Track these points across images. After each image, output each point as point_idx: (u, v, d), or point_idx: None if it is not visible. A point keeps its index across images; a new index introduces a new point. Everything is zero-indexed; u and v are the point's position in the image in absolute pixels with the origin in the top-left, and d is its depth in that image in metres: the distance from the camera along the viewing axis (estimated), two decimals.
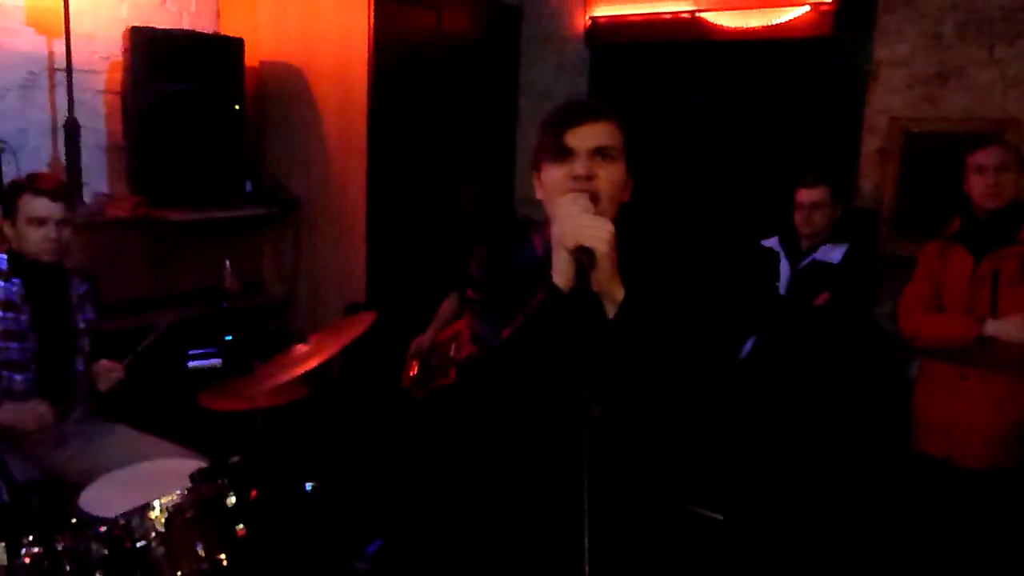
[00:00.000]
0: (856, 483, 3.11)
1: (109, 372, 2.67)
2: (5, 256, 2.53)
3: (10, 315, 2.47)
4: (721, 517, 3.24)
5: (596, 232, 1.34)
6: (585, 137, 1.46)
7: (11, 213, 2.53)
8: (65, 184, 2.74)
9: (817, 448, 3.10)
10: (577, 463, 1.48)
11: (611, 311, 1.39)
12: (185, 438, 2.78)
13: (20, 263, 2.53)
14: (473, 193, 3.56)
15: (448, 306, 3.55)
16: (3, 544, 1.76)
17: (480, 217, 3.50)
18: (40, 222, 2.51)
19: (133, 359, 2.72)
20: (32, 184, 2.55)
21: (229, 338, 3.57)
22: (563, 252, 1.38)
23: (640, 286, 1.41)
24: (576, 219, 1.36)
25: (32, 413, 2.46)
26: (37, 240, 2.52)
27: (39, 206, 2.51)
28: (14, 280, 2.50)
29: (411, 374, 3.48)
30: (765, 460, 3.18)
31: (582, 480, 1.19)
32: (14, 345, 2.47)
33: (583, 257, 1.34)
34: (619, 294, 1.38)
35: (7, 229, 2.54)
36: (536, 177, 1.57)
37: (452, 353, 3.36)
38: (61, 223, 2.54)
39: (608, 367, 1.35)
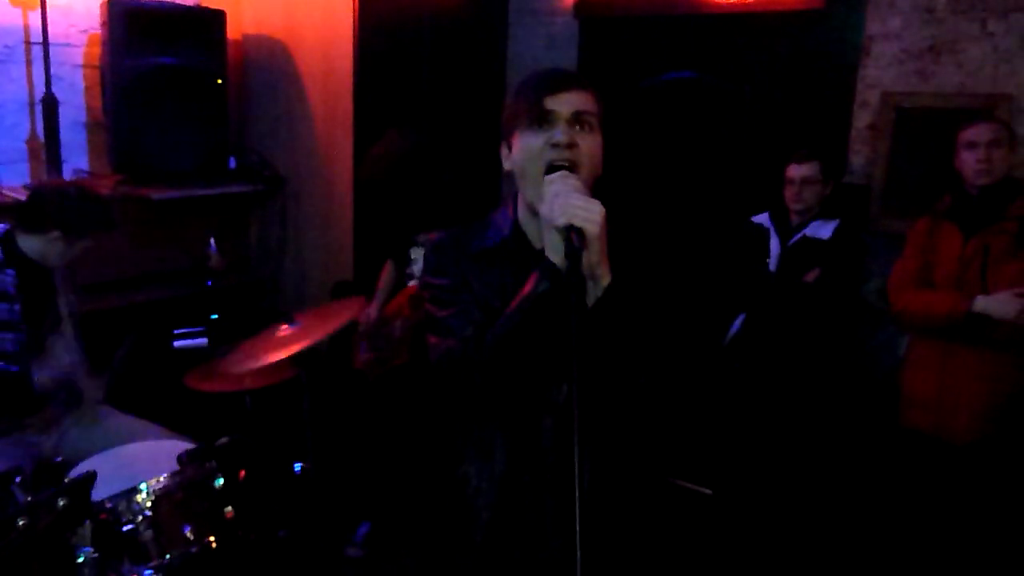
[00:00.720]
0: (845, 457, 3.15)
1: (90, 395, 2.70)
2: None
3: (4, 306, 2.44)
4: (710, 492, 3.28)
5: (587, 213, 1.32)
6: (567, 102, 1.43)
7: (73, 238, 2.52)
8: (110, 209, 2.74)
9: (806, 424, 3.13)
10: (545, 443, 1.51)
11: (593, 295, 1.38)
12: (172, 420, 2.79)
13: (14, 254, 2.49)
14: (392, 141, 3.23)
15: (387, 276, 3.37)
16: None
17: (401, 175, 3.18)
18: (93, 249, 2.59)
19: (112, 378, 2.74)
20: (110, 220, 2.60)
21: (215, 317, 3.55)
22: (554, 232, 1.35)
23: (625, 271, 1.40)
24: (566, 198, 1.33)
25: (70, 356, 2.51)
26: (72, 259, 2.58)
27: (102, 239, 2.59)
28: (8, 271, 2.46)
29: (362, 355, 3.35)
30: (754, 436, 3.22)
31: (573, 459, 1.19)
32: (8, 336, 2.45)
33: (574, 237, 1.31)
34: (606, 278, 1.37)
35: (50, 243, 2.50)
36: (504, 146, 1.52)
37: (398, 333, 3.26)
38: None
39: (580, 352, 1.29)
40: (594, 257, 1.34)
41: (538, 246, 1.47)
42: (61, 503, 1.85)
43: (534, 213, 1.46)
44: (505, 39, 4.42)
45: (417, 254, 3.22)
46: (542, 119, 1.43)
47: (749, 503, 3.19)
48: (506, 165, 1.53)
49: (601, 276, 1.36)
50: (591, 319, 1.37)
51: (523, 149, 1.46)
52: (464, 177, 3.36)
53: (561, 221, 1.32)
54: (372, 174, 3.30)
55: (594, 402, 1.43)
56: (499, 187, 4.23)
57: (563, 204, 1.32)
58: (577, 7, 4.14)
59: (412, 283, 3.25)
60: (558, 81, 1.45)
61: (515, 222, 1.55)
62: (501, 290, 1.49)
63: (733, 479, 3.25)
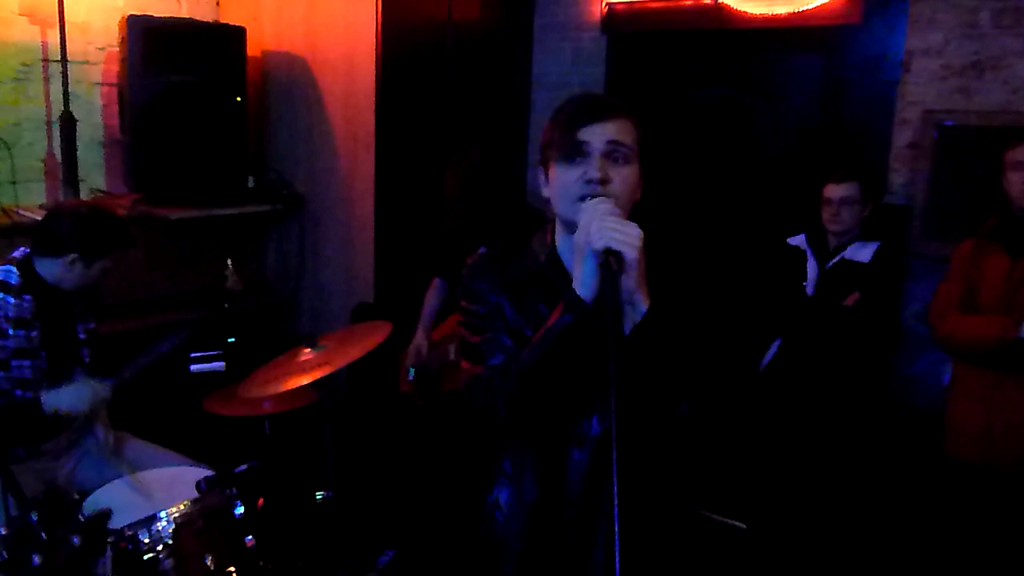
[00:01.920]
0: (886, 490, 3.13)
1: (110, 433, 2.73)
2: (15, 270, 2.50)
3: (21, 332, 2.47)
4: (743, 526, 3.26)
5: (625, 236, 1.34)
6: (601, 134, 1.45)
7: (92, 259, 2.54)
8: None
9: (845, 454, 3.11)
10: (573, 476, 1.54)
11: (631, 323, 1.40)
12: (189, 445, 2.82)
13: (35, 280, 2.52)
14: (471, 161, 3.20)
15: (434, 296, 3.39)
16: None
17: (481, 192, 3.15)
18: (113, 270, 2.61)
19: (149, 359, 2.71)
20: (128, 240, 2.63)
21: (232, 340, 3.60)
22: (588, 260, 1.38)
23: (664, 296, 1.42)
24: (602, 221, 1.36)
25: (90, 392, 2.50)
26: (92, 282, 2.61)
27: (121, 259, 2.61)
28: (25, 297, 2.48)
29: (410, 379, 3.39)
30: (790, 466, 3.20)
31: (600, 492, 1.21)
32: (26, 363, 2.48)
33: (612, 261, 1.34)
34: (644, 304, 1.39)
35: (68, 266, 2.52)
36: (544, 174, 1.56)
37: (452, 356, 3.28)
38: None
39: (617, 382, 1.32)
40: (632, 282, 1.36)
41: (570, 267, 1.51)
42: (77, 541, 1.90)
43: (570, 234, 1.49)
44: (530, 55, 4.47)
45: None
46: (576, 152, 1.46)
47: (785, 538, 3.16)
48: (544, 192, 1.56)
49: (639, 301, 1.38)
50: (630, 345, 1.39)
51: (558, 182, 1.49)
52: (492, 175, 3.27)
53: (599, 245, 1.35)
54: (455, 189, 3.25)
55: (631, 432, 1.43)
56: (524, 201, 4.27)
57: (599, 227, 1.35)
58: (605, 22, 4.18)
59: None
60: (592, 111, 1.47)
61: (552, 249, 1.58)
62: (536, 318, 1.51)
63: (768, 512, 3.23)
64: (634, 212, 1.49)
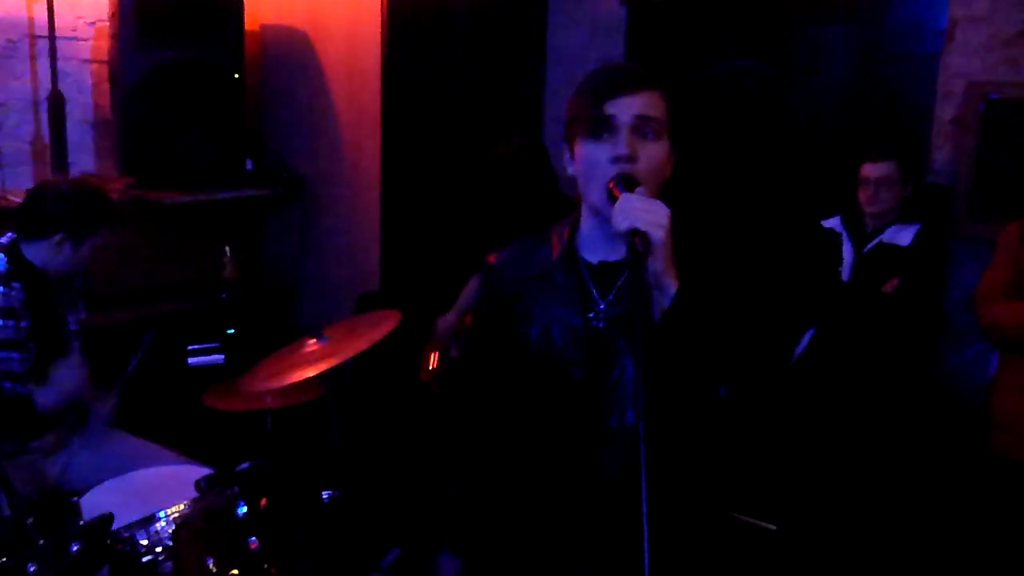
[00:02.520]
0: (927, 488, 3.09)
1: (99, 410, 2.72)
2: (2, 256, 2.47)
3: (10, 323, 2.43)
4: (774, 527, 3.23)
5: (652, 215, 1.33)
6: (628, 107, 1.43)
7: (80, 238, 2.51)
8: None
9: (883, 452, 3.07)
10: (605, 474, 1.53)
11: (661, 306, 1.38)
12: (188, 442, 2.80)
13: (23, 266, 2.49)
14: (513, 148, 3.19)
15: (473, 287, 3.44)
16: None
17: (521, 181, 3.15)
18: (100, 251, 2.57)
19: (124, 382, 2.74)
20: (115, 216, 2.59)
21: (231, 332, 3.58)
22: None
23: (692, 278, 1.40)
24: (628, 200, 1.35)
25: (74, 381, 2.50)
26: (83, 264, 2.58)
27: (109, 238, 2.57)
28: (14, 284, 2.45)
29: (431, 367, 3.43)
30: (824, 465, 3.17)
31: (635, 490, 1.18)
32: (15, 355, 2.44)
33: (638, 242, 1.32)
34: (673, 286, 1.37)
35: (56, 247, 2.49)
36: (568, 150, 1.54)
37: None
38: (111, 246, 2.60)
39: (649, 369, 1.32)
40: (660, 264, 1.35)
41: (592, 259, 1.54)
42: (75, 548, 1.87)
43: (598, 217, 1.50)
44: (544, 28, 4.43)
45: None
46: (602, 127, 1.44)
47: (818, 541, 3.13)
48: (569, 170, 1.55)
49: (668, 284, 1.37)
50: (661, 331, 1.37)
51: (583, 159, 1.48)
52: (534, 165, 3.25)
53: (624, 225, 1.33)
54: (493, 176, 3.23)
55: (667, 421, 1.43)
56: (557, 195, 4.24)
57: (623, 207, 1.35)
58: None
59: None
60: (619, 82, 1.46)
61: (569, 242, 1.58)
62: (558, 319, 1.54)
63: (800, 513, 3.20)
64: (664, 192, 1.48)
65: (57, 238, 2.48)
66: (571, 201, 3.45)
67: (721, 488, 1.62)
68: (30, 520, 1.84)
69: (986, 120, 3.32)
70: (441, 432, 3.35)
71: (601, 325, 1.51)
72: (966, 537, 2.91)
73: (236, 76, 3.86)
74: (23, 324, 2.46)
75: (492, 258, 1.66)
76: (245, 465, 2.33)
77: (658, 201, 1.36)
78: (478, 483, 1.75)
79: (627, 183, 1.39)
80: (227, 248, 3.69)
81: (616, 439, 1.51)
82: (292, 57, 4.15)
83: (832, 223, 3.31)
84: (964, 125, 3.37)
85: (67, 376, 2.53)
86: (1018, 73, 3.26)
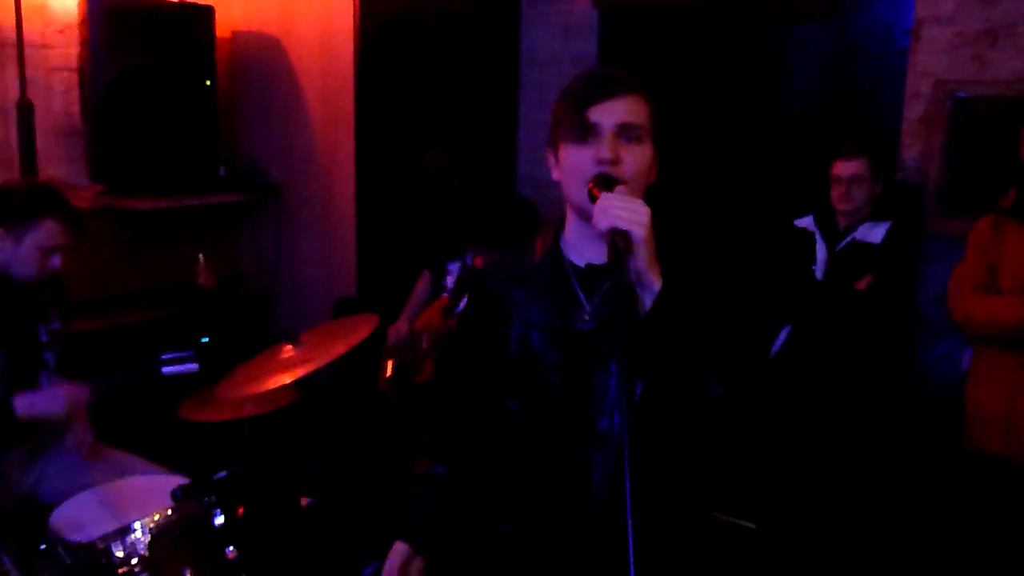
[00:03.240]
0: (902, 483, 3.13)
1: (74, 398, 2.62)
2: None
3: None
4: (753, 525, 3.26)
5: (632, 214, 1.34)
6: (612, 113, 1.46)
7: (20, 232, 2.44)
8: (75, 208, 2.62)
9: (858, 448, 3.11)
10: (595, 477, 1.53)
11: (646, 304, 1.39)
12: (161, 453, 2.79)
13: None
14: (443, 154, 3.29)
15: (422, 288, 3.50)
16: None
17: (458, 185, 3.24)
18: (52, 250, 2.48)
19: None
20: (59, 208, 2.49)
21: (206, 340, 3.56)
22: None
23: (675, 276, 1.41)
24: (608, 200, 1.37)
25: (65, 395, 2.45)
26: (40, 267, 2.49)
27: (58, 234, 2.47)
28: None
29: (387, 375, 3.45)
30: (801, 462, 3.20)
31: (623, 486, 1.19)
32: None
33: (618, 241, 1.34)
34: (656, 284, 1.38)
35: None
36: (551, 154, 1.57)
37: (425, 345, 3.35)
38: (67, 249, 2.52)
39: (640, 367, 1.36)
40: (641, 262, 1.36)
41: (579, 261, 1.56)
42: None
43: (583, 220, 1.51)
44: (517, 30, 4.43)
45: (453, 267, 3.27)
46: (586, 132, 1.47)
47: (797, 537, 3.16)
48: (554, 174, 1.58)
49: (651, 282, 1.38)
50: (647, 328, 1.38)
51: (568, 163, 1.51)
52: (467, 168, 3.33)
53: (604, 224, 1.35)
54: (438, 169, 3.30)
55: (657, 421, 1.45)
56: (515, 192, 4.25)
57: (605, 206, 1.36)
58: None
59: (445, 295, 3.32)
60: (602, 88, 1.48)
61: (553, 245, 1.60)
62: (538, 322, 1.56)
63: (778, 510, 3.22)
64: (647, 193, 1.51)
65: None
66: (527, 204, 3.52)
67: (704, 488, 1.63)
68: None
69: (954, 118, 3.35)
70: (403, 438, 3.36)
71: (588, 327, 1.53)
72: (943, 532, 2.94)
73: (208, 82, 3.87)
74: None
75: (479, 261, 1.70)
76: (222, 473, 2.34)
77: (638, 200, 1.38)
78: (463, 487, 1.75)
79: (607, 183, 1.41)
80: (201, 255, 3.68)
81: (606, 442, 1.52)
82: (264, 62, 4.16)
83: (805, 222, 3.31)
84: (932, 123, 3.41)
85: (44, 383, 2.52)
86: (984, 71, 3.30)
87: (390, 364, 3.46)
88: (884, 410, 3.15)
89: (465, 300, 3.15)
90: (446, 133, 4.09)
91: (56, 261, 2.52)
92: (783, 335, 3.30)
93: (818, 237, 3.26)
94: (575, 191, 1.49)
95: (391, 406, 3.42)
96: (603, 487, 1.53)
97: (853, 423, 3.11)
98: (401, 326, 3.44)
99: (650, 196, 1.50)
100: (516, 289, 1.60)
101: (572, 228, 1.58)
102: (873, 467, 3.11)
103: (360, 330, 2.49)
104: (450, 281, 3.31)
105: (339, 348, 2.41)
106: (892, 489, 3.11)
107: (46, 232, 2.47)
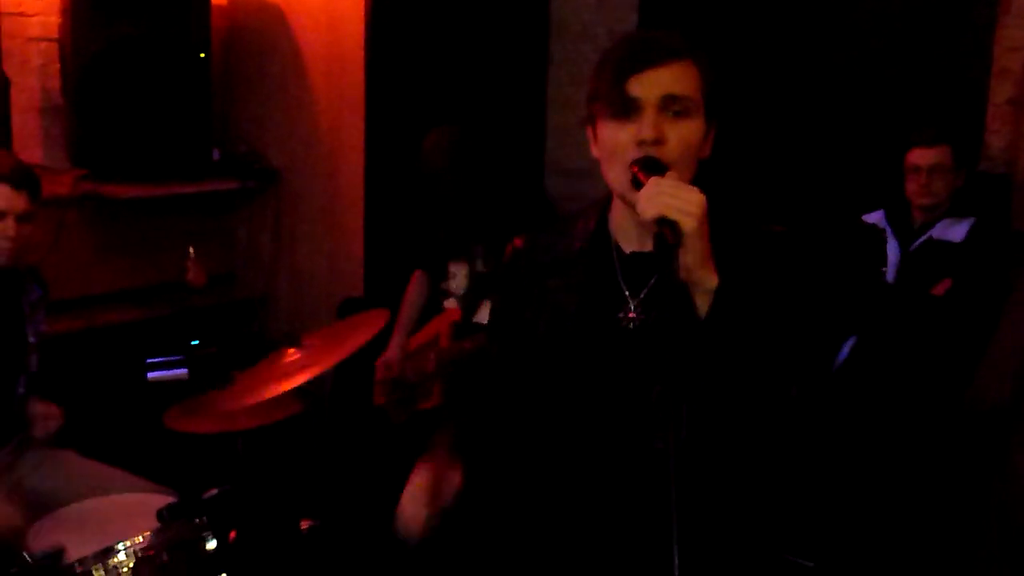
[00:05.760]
0: (975, 522, 3.09)
1: (46, 419, 2.70)
2: None
3: None
4: (811, 564, 3.23)
5: (682, 202, 1.32)
6: (654, 84, 1.44)
7: None
8: (27, 167, 2.66)
9: (929, 479, 3.07)
10: (644, 501, 1.51)
11: (703, 304, 1.37)
12: (149, 466, 2.81)
13: None
14: (442, 141, 3.20)
15: (416, 293, 3.46)
16: None
17: (444, 172, 3.17)
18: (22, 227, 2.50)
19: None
20: (20, 176, 2.51)
21: (196, 343, 3.59)
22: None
23: (734, 271, 1.39)
24: (655, 186, 1.35)
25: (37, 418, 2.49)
26: None
27: (3, 196, 2.48)
28: None
29: (382, 400, 3.45)
30: (867, 492, 3.17)
31: (666, 522, 1.20)
32: None
33: (666, 232, 1.31)
34: (712, 281, 1.36)
35: None
36: (590, 130, 1.56)
37: (431, 367, 3.31)
38: (23, 217, 2.52)
39: (697, 377, 1.34)
40: (694, 256, 1.34)
41: (627, 248, 1.55)
42: None
43: (623, 202, 1.51)
44: None
45: (457, 268, 3.24)
46: (626, 107, 1.45)
47: None
48: (593, 152, 1.57)
49: (706, 279, 1.36)
50: (706, 333, 1.36)
51: (607, 143, 1.49)
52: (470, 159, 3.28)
53: (650, 213, 1.33)
54: (434, 165, 3.25)
55: (724, 433, 1.45)
56: (542, 182, 4.25)
57: (651, 192, 1.35)
58: None
59: (449, 303, 3.28)
60: (644, 56, 1.46)
61: (597, 228, 1.60)
62: (569, 309, 1.56)
63: (841, 548, 3.20)
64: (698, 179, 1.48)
65: None
66: (541, 198, 3.48)
67: (772, 520, 1.61)
68: None
69: None
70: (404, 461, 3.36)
71: (634, 326, 1.52)
72: None
73: (202, 56, 3.88)
74: None
75: (519, 241, 1.70)
76: (213, 492, 2.35)
77: (690, 186, 1.36)
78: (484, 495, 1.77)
79: (653, 167, 1.39)
80: (191, 249, 3.71)
81: (659, 459, 1.51)
82: (265, 34, 4.18)
83: (875, 218, 3.31)
84: (1022, 106, 3.39)
85: (24, 389, 2.58)
86: None
87: (388, 386, 3.42)
88: (961, 437, 3.11)
89: (483, 308, 3.13)
90: (466, 114, 4.10)
91: (11, 231, 2.49)
92: (847, 347, 3.28)
93: (889, 235, 3.26)
94: (615, 175, 1.48)
95: (391, 427, 3.40)
96: (654, 509, 1.51)
97: (924, 450, 3.08)
98: (392, 356, 3.38)
99: (710, 178, 1.48)
100: (552, 276, 1.60)
101: (617, 210, 1.57)
102: (948, 498, 3.08)
103: (368, 328, 2.47)
104: (455, 286, 3.29)
105: (344, 350, 2.40)
106: (969, 524, 3.08)
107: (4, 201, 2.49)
